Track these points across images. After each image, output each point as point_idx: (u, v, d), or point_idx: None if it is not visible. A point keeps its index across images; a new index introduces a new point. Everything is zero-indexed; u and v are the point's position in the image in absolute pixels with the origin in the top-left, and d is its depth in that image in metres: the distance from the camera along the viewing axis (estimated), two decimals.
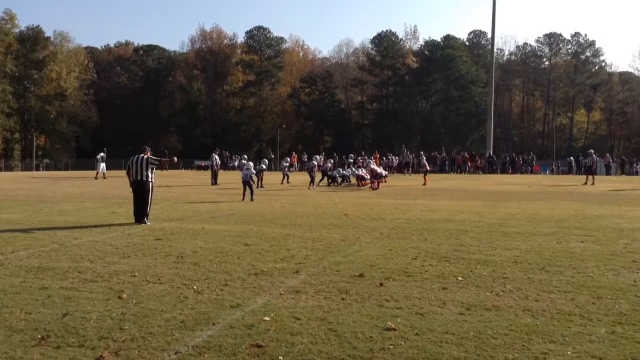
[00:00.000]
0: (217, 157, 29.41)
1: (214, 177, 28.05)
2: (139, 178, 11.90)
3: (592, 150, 29.86)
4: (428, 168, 30.73)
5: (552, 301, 5.37)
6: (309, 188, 24.36)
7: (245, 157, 34.20)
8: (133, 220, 11.71)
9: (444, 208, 14.95)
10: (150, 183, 12.01)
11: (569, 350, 4.03)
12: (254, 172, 20.40)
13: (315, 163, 26.75)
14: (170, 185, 26.89)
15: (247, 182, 18.08)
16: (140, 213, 11.74)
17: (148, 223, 11.50)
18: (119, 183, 24.59)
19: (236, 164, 43.88)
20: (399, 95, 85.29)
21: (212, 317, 4.85)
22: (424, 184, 27.30)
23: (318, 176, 26.78)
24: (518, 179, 33.23)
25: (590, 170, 28.33)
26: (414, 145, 66.51)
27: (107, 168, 33.94)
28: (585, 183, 26.82)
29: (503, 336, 4.36)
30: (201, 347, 4.11)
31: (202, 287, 5.91)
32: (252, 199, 17.49)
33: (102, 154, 33.58)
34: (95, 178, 32.10)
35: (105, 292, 5.71)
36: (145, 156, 12.09)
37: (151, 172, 12.05)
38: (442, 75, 79.21)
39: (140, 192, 11.89)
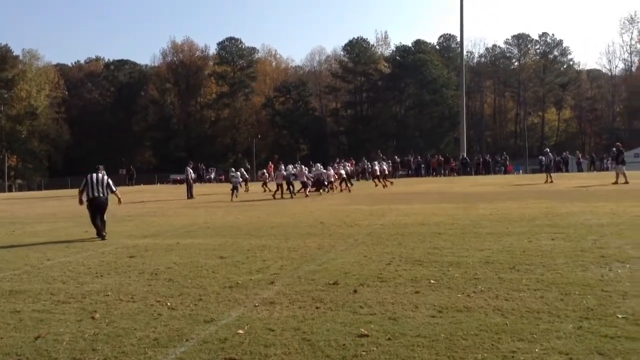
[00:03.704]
0: (191, 170, 29.29)
1: (189, 190, 27.90)
2: (99, 195, 12.26)
3: (548, 149, 30.43)
4: (385, 172, 31.16)
5: (521, 300, 5.47)
6: (291, 197, 24.79)
7: (233, 168, 34.42)
8: (96, 240, 11.74)
9: (418, 212, 15.07)
10: (107, 201, 12.51)
11: (537, 348, 4.12)
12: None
13: (295, 172, 26.91)
14: (145, 200, 26.70)
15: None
16: (101, 228, 12.07)
17: (106, 237, 11.93)
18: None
19: (212, 176, 43.71)
20: (373, 101, 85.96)
21: (186, 333, 4.85)
22: (385, 186, 28.40)
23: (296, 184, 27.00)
24: (491, 180, 33.62)
25: (548, 169, 28.72)
26: (389, 150, 66.95)
27: (76, 185, 33.58)
28: (546, 181, 27.14)
29: (473, 337, 4.43)
30: None
31: (176, 303, 5.90)
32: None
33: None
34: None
35: (78, 313, 5.66)
36: (106, 177, 12.56)
37: (107, 191, 12.48)
38: (414, 80, 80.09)
39: (100, 209, 12.25)
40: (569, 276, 6.40)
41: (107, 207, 12.56)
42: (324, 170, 27.10)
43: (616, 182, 23.63)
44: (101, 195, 12.30)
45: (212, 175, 43.43)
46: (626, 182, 23.26)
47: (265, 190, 30.11)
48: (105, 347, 4.54)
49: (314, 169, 28.10)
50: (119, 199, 13.20)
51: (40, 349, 4.56)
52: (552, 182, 26.73)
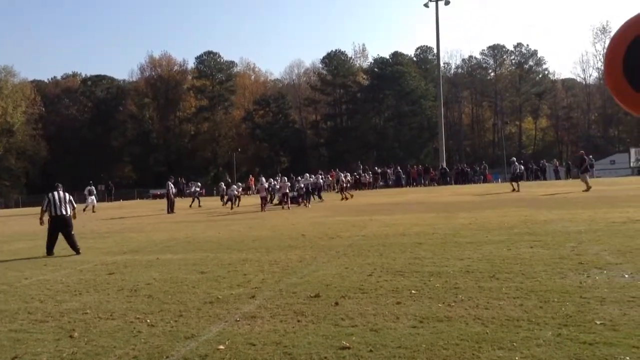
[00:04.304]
0: (172, 185, 29.13)
1: (171, 205, 27.71)
2: (63, 213, 12.45)
3: (514, 159, 30.89)
4: (345, 184, 31.51)
5: (501, 308, 5.51)
6: (283, 208, 25.52)
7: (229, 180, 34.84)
8: (83, 257, 11.72)
9: (399, 222, 15.13)
10: (71, 218, 12.71)
11: (517, 356, 4.15)
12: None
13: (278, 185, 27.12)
14: (125, 216, 26.44)
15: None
16: (75, 247, 12.26)
17: (81, 251, 12.20)
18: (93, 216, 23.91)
19: (192, 189, 43.43)
20: (352, 113, 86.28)
21: (166, 350, 4.80)
22: (344, 199, 28.78)
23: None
24: (471, 189, 33.90)
25: (515, 177, 29.09)
26: (370, 161, 67.19)
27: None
28: (514, 190, 27.47)
29: (454, 346, 4.45)
30: None
31: (156, 320, 5.84)
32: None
33: (89, 187, 34.35)
34: (83, 210, 31.66)
35: (56, 332, 5.58)
36: (67, 195, 12.78)
37: (69, 208, 12.71)
38: (392, 91, 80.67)
39: (63, 227, 12.40)
40: (548, 284, 6.47)
41: (73, 224, 12.74)
42: (312, 180, 27.26)
43: (587, 189, 24.10)
44: (65, 212, 12.49)
45: (192, 189, 43.07)
46: (587, 189, 23.95)
47: (223, 204, 31.30)
48: None
49: (301, 179, 28.28)
50: (74, 215, 13.17)
51: None
52: (518, 191, 27.09)
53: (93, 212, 31.43)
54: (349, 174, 36.14)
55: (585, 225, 11.76)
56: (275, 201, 29.50)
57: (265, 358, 4.44)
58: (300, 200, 26.79)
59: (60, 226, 12.41)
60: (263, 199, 25.61)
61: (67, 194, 12.82)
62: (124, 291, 7.53)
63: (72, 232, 12.50)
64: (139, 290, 7.54)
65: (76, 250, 12.19)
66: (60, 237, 12.38)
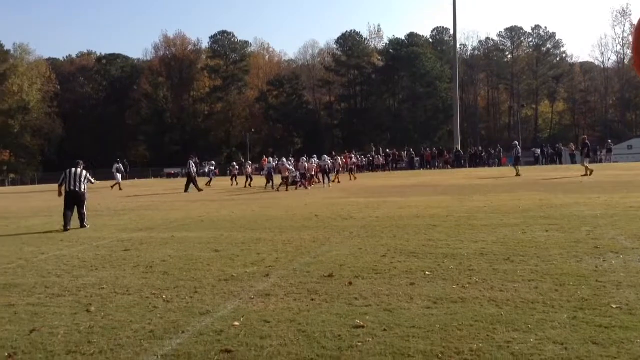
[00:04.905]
0: (193, 164, 28.85)
1: (195, 184, 27.48)
2: (75, 189, 13.11)
3: (516, 142, 30.56)
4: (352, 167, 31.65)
5: (516, 290, 5.49)
6: (296, 189, 25.59)
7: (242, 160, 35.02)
8: (99, 233, 11.85)
9: (413, 204, 15.10)
10: (85, 194, 13.39)
11: (532, 338, 4.14)
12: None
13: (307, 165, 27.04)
14: (139, 194, 26.64)
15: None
16: (81, 222, 13.00)
17: (88, 226, 12.91)
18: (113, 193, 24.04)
19: (206, 170, 43.66)
20: (367, 94, 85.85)
21: (182, 325, 4.85)
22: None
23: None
24: (486, 172, 33.72)
25: (517, 162, 28.84)
26: (384, 143, 66.97)
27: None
28: (517, 174, 27.25)
29: (468, 327, 4.45)
30: (170, 355, 4.11)
31: (172, 296, 5.89)
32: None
33: (117, 165, 35.13)
34: (112, 187, 32.45)
35: (73, 306, 5.65)
36: (84, 171, 13.47)
37: (85, 185, 13.40)
38: (407, 73, 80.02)
39: (76, 202, 13.04)
40: (563, 267, 6.43)
41: (86, 201, 13.39)
42: (306, 164, 27.08)
43: (586, 174, 24.22)
44: (77, 188, 13.11)
45: (206, 169, 43.27)
46: (586, 174, 24.08)
47: (232, 184, 31.68)
48: (101, 340, 4.53)
49: (303, 159, 28.29)
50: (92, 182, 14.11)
51: (35, 342, 4.55)
52: (519, 175, 26.91)
53: (120, 189, 31.55)
54: (356, 156, 36.12)
55: (601, 210, 11.67)
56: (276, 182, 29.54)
57: (280, 335, 4.47)
58: (301, 182, 26.52)
59: (73, 200, 13.02)
60: (284, 179, 25.72)
61: (83, 172, 13.38)
62: (140, 267, 7.60)
63: (84, 209, 13.15)
64: (155, 266, 7.61)
65: (82, 224, 12.91)
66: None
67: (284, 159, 28.30)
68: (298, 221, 12.38)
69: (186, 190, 27.06)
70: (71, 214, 12.87)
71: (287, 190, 24.82)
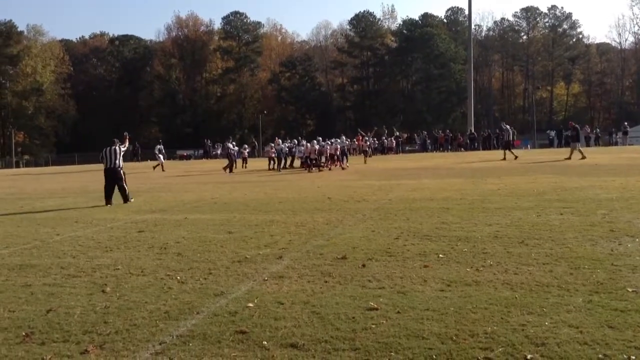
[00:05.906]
0: (231, 146, 29.51)
1: (231, 165, 27.85)
2: (111, 166, 13.99)
3: (507, 126, 30.05)
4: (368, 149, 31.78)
5: (530, 274, 5.47)
6: (320, 170, 25.69)
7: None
8: (114, 214, 11.97)
9: (426, 187, 15.05)
10: (121, 170, 14.16)
11: (546, 321, 4.12)
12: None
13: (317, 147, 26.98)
14: (153, 177, 26.76)
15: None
16: (124, 197, 13.96)
17: (132, 200, 14.03)
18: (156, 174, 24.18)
19: (219, 151, 43.82)
20: (380, 76, 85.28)
21: (196, 306, 4.88)
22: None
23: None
24: (499, 155, 33.45)
25: (507, 145, 28.49)
26: (397, 125, 66.71)
27: (88, 161, 34.11)
28: (504, 158, 26.99)
29: (482, 310, 4.44)
30: (186, 336, 4.14)
31: (186, 277, 5.93)
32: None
33: (159, 146, 35.85)
34: (154, 168, 32.94)
35: (89, 287, 5.70)
36: (118, 149, 14.29)
37: (121, 161, 14.23)
38: (421, 54, 79.29)
39: (113, 178, 13.91)
40: (578, 250, 6.39)
41: (124, 177, 14.21)
42: (317, 147, 26.85)
43: (569, 158, 24.45)
44: (113, 165, 13.96)
45: (219, 151, 43.43)
46: (583, 157, 24.04)
47: (243, 167, 31.52)
48: (116, 320, 4.58)
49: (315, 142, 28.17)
50: (125, 140, 15.22)
51: (52, 322, 4.61)
52: (504, 159, 26.68)
53: (162, 170, 31.68)
54: (370, 138, 35.94)
55: (617, 193, 11.55)
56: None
57: (293, 316, 4.49)
58: (326, 164, 26.65)
59: (111, 177, 13.94)
60: (313, 160, 25.88)
61: (117, 148, 14.25)
62: (154, 249, 7.65)
63: (122, 184, 14.00)
64: (169, 248, 7.66)
65: (124, 199, 13.85)
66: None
67: (326, 141, 28.37)
68: (311, 203, 12.38)
69: (231, 171, 27.29)
70: (112, 190, 13.75)
71: (310, 171, 24.96)
